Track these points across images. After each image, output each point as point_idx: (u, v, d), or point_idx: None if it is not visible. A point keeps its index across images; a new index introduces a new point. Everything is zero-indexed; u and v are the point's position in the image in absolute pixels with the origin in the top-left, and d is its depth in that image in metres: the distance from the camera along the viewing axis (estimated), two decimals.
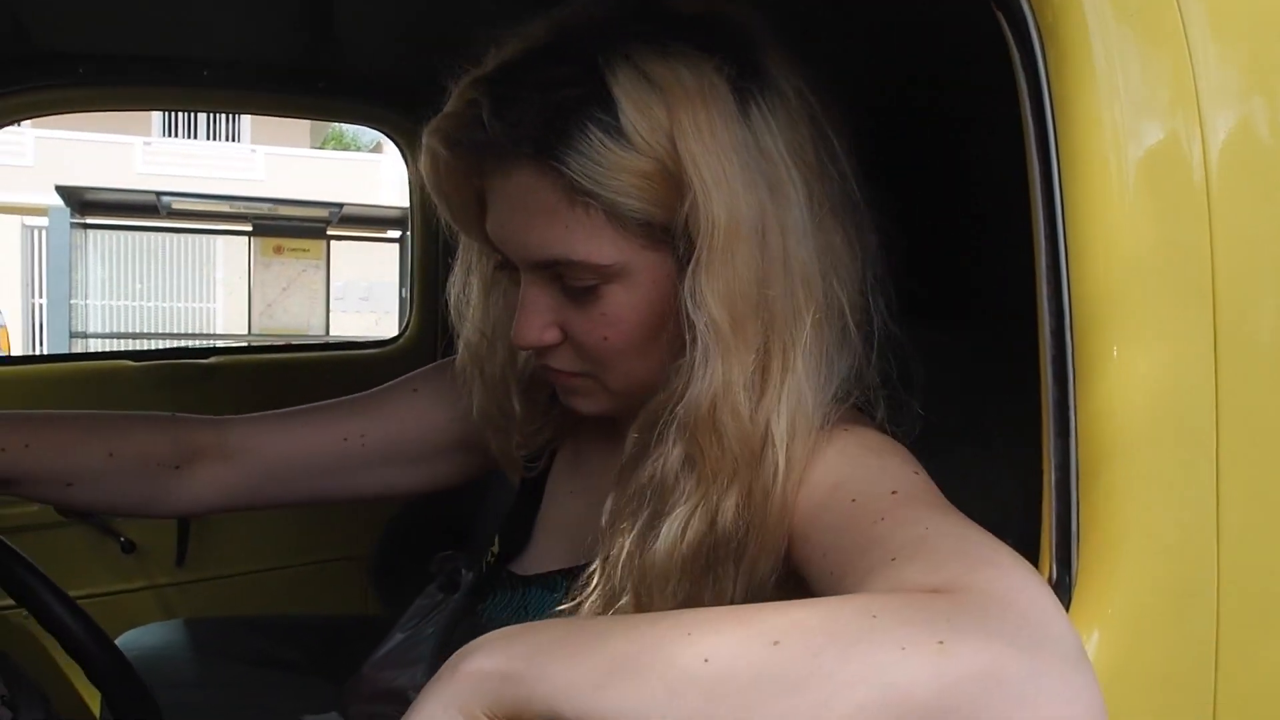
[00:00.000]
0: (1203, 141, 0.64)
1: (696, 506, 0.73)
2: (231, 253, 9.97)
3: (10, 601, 0.99)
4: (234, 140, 18.00)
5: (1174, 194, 0.64)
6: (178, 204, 9.02)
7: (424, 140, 0.77)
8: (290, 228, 8.65)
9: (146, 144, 15.30)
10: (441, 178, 0.79)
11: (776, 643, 0.52)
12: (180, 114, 17.18)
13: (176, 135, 17.69)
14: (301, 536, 2.08)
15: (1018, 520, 0.70)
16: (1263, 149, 0.67)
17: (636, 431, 0.79)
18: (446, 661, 0.63)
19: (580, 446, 0.98)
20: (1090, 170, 0.63)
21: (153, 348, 6.71)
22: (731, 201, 0.71)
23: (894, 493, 0.67)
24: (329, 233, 8.90)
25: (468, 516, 1.92)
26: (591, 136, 0.71)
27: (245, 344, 7.78)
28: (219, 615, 1.89)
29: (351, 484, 1.06)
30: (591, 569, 0.79)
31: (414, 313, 2.19)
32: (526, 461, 0.99)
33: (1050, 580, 0.63)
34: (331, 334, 9.99)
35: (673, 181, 0.71)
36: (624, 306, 0.76)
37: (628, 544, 0.76)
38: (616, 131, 0.71)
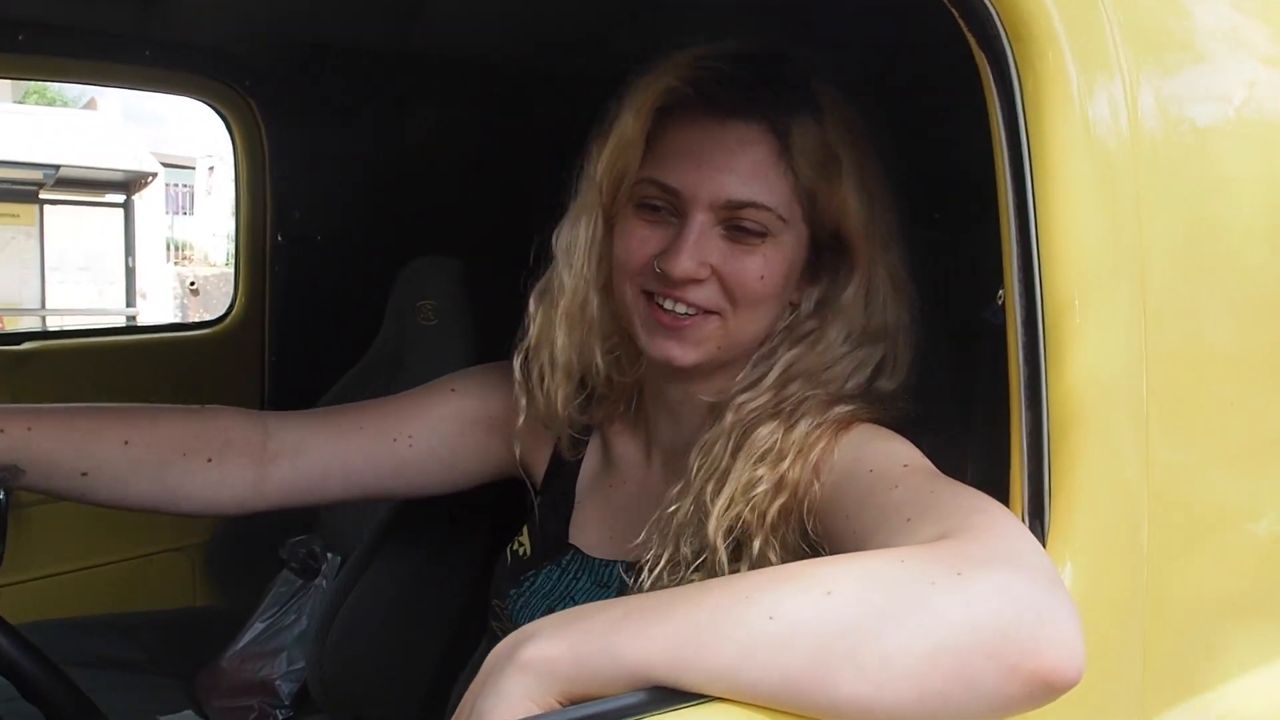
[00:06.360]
0: (1135, 163, 0.80)
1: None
2: None
3: None
4: None
5: (1115, 207, 0.79)
6: None
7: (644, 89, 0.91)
8: None
9: None
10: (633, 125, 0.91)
11: (829, 593, 0.62)
12: None
13: None
14: (124, 532, 1.98)
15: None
16: (1185, 161, 0.84)
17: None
18: (493, 656, 0.65)
19: (610, 450, 1.08)
20: (1058, 182, 0.77)
21: None
22: None
23: (904, 466, 0.81)
24: (42, 196, 8.16)
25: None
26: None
27: None
28: (41, 619, 1.77)
29: (391, 484, 1.10)
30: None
31: (240, 294, 2.12)
32: (570, 448, 1.08)
33: (1024, 523, 0.77)
34: (49, 305, 9.17)
35: None
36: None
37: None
38: None
